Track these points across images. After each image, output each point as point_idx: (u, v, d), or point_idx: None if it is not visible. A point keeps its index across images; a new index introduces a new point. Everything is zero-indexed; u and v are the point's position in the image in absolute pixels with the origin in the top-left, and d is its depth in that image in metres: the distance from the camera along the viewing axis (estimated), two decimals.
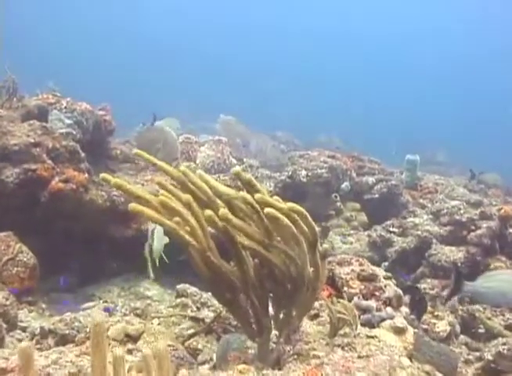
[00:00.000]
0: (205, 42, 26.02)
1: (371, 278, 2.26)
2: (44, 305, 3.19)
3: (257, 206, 1.58)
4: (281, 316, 1.83)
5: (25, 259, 3.08)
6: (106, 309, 2.45)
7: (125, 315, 2.92)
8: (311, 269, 1.75)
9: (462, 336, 3.21)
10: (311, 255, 1.72)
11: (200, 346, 2.52)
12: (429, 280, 3.72)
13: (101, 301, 3.53)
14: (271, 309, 1.84)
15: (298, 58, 26.58)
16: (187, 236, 1.58)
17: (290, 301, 1.79)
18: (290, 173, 4.67)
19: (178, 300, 2.94)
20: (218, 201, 1.66)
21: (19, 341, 2.64)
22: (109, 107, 4.88)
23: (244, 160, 5.29)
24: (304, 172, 4.61)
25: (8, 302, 2.71)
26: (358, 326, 1.98)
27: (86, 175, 3.62)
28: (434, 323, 2.98)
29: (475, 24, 26.82)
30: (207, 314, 2.82)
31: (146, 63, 22.25)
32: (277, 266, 1.71)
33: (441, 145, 11.11)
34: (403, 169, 5.52)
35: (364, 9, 28.93)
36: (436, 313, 3.05)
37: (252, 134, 6.79)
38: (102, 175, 1.76)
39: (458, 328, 3.21)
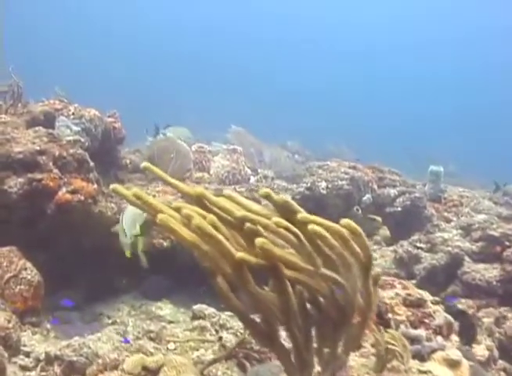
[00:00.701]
0: (208, 50, 26.08)
1: (419, 303, 2.01)
2: (49, 326, 2.98)
3: (296, 230, 1.35)
4: (325, 350, 1.58)
5: (29, 277, 2.86)
6: (125, 341, 2.20)
7: (138, 338, 2.70)
8: (362, 296, 1.52)
9: (500, 361, 2.98)
10: (362, 280, 1.49)
11: (219, 374, 2.32)
12: (463, 300, 3.47)
13: (110, 321, 3.33)
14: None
15: (301, 67, 26.60)
16: (225, 267, 1.34)
17: (336, 333, 1.55)
18: (308, 184, 4.43)
19: (196, 322, 2.74)
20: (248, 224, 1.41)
21: (23, 368, 2.42)
22: (119, 114, 4.68)
23: (259, 170, 5.08)
24: (323, 184, 4.37)
25: (10, 325, 2.49)
26: (410, 359, 1.74)
27: (95, 185, 3.43)
28: (472, 348, 2.76)
29: (483, 33, 26.75)
30: (226, 337, 2.61)
31: (154, 73, 22.24)
32: (322, 293, 1.48)
33: (451, 156, 10.87)
34: (426, 181, 5.27)
35: (372, 19, 28.96)
36: None
37: (264, 144, 6.59)
38: (114, 186, 1.54)
39: (496, 352, 2.98)
